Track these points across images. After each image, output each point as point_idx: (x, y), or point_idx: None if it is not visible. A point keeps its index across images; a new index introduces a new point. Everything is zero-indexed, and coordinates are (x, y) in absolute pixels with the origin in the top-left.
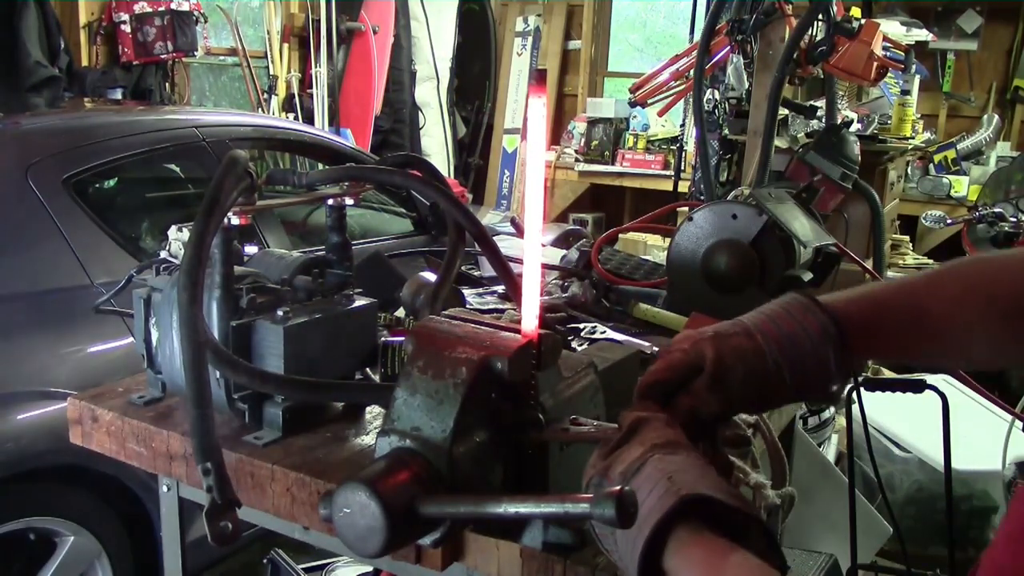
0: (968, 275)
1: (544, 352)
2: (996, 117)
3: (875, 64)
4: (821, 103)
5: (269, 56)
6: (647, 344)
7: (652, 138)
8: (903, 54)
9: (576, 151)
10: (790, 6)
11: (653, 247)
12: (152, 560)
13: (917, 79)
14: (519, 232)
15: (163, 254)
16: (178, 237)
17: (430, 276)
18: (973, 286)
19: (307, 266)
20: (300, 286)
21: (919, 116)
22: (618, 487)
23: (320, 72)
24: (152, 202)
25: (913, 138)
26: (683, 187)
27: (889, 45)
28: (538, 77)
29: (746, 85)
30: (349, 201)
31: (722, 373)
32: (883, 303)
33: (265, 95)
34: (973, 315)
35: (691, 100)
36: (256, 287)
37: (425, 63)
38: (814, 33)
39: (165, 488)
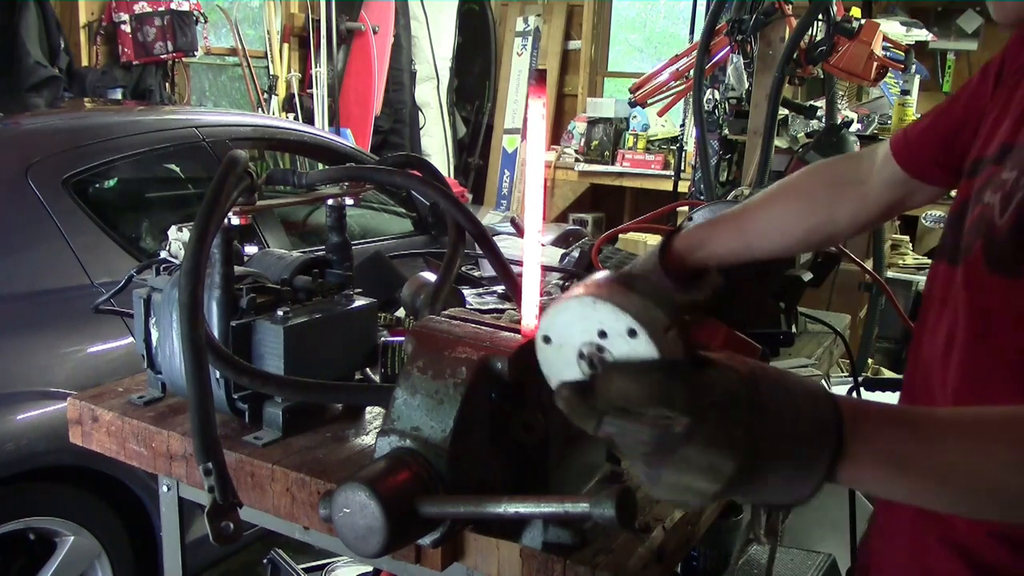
0: (790, 179)
1: None
2: None
3: (875, 64)
4: (821, 103)
5: (269, 56)
6: None
7: (652, 138)
8: (903, 54)
9: (576, 151)
10: (790, 6)
11: (653, 247)
12: (152, 560)
13: (917, 79)
14: (519, 232)
15: (163, 254)
16: (178, 237)
17: (430, 276)
18: (790, 181)
19: (307, 266)
20: (300, 286)
21: (919, 116)
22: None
23: (320, 72)
24: (152, 202)
25: None
26: (683, 187)
27: (889, 45)
28: (538, 77)
29: (746, 85)
30: (349, 201)
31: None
32: (715, 220)
33: (265, 95)
34: (790, 197)
35: (691, 100)
36: (256, 287)
37: (425, 63)
38: (814, 33)
39: (165, 488)
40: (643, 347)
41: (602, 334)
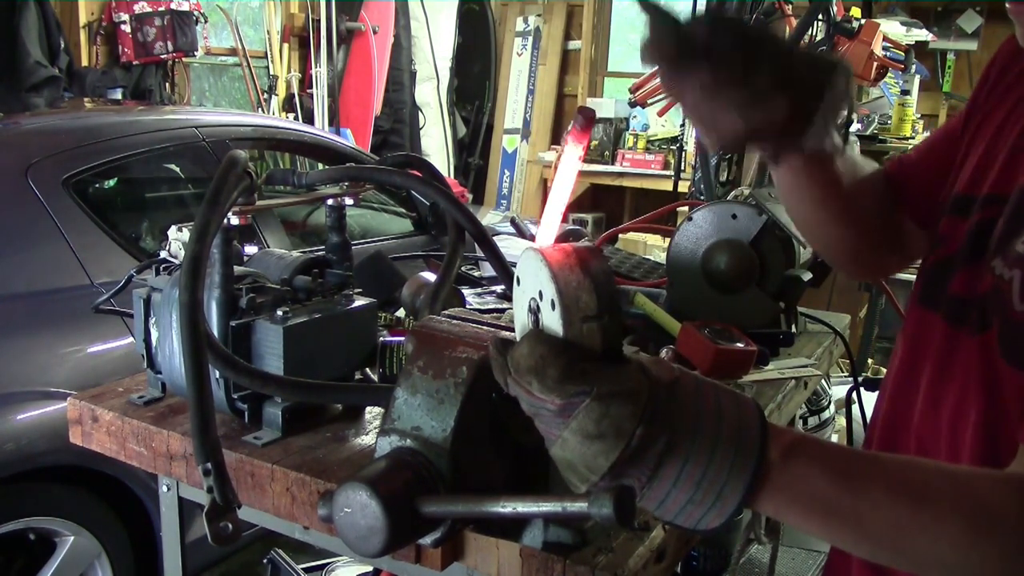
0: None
1: None
2: None
3: (875, 64)
4: None
5: (269, 56)
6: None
7: (652, 138)
8: (903, 54)
9: None
10: (790, 6)
11: (653, 247)
12: (152, 560)
13: (917, 79)
14: (519, 232)
15: (163, 254)
16: (178, 237)
17: (430, 276)
18: None
19: (307, 266)
20: (300, 286)
21: (919, 116)
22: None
23: (320, 72)
24: (152, 202)
25: (913, 138)
26: (683, 187)
27: (889, 45)
28: (584, 123)
29: None
30: (349, 201)
31: None
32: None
33: (265, 95)
34: None
35: None
36: (256, 287)
37: (425, 63)
38: (814, 33)
39: (165, 488)
40: (555, 323)
41: (540, 295)
